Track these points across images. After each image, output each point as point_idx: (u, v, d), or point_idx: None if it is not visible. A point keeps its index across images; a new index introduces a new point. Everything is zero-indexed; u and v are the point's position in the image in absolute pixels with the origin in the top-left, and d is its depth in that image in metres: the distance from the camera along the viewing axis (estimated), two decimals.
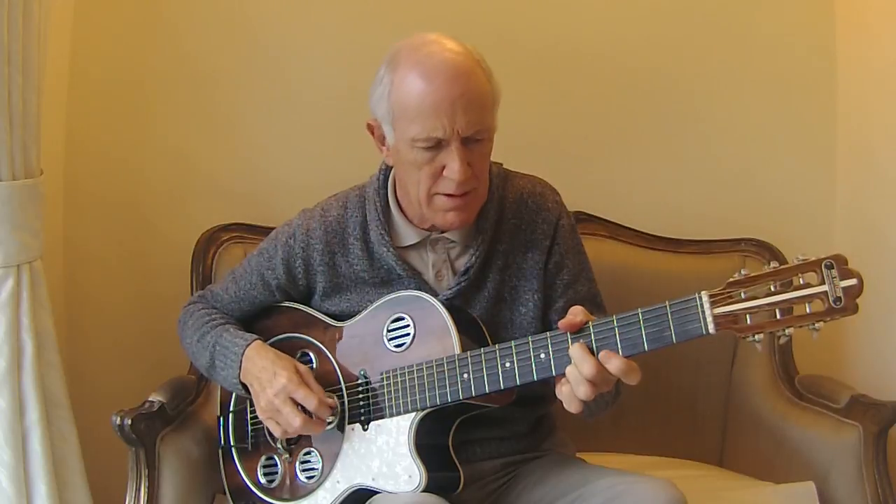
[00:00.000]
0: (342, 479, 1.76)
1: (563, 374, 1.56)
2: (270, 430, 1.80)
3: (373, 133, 1.79)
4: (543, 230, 1.83)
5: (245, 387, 1.83)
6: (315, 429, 1.76)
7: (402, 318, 1.74)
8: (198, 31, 2.50)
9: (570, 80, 2.58)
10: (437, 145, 1.66)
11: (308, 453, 1.82)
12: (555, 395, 1.89)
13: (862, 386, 2.20)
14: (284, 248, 1.87)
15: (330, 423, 1.76)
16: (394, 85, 1.68)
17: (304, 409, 1.74)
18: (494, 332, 1.76)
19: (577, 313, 1.56)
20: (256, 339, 1.83)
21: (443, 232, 1.81)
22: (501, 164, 1.88)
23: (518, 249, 1.83)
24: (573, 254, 1.86)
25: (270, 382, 1.76)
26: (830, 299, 1.37)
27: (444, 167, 1.67)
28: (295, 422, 1.73)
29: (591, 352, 1.52)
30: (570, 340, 1.56)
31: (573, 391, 1.53)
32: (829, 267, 1.37)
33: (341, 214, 1.85)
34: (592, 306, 1.82)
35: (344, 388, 1.79)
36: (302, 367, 1.79)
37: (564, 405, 1.57)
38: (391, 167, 1.84)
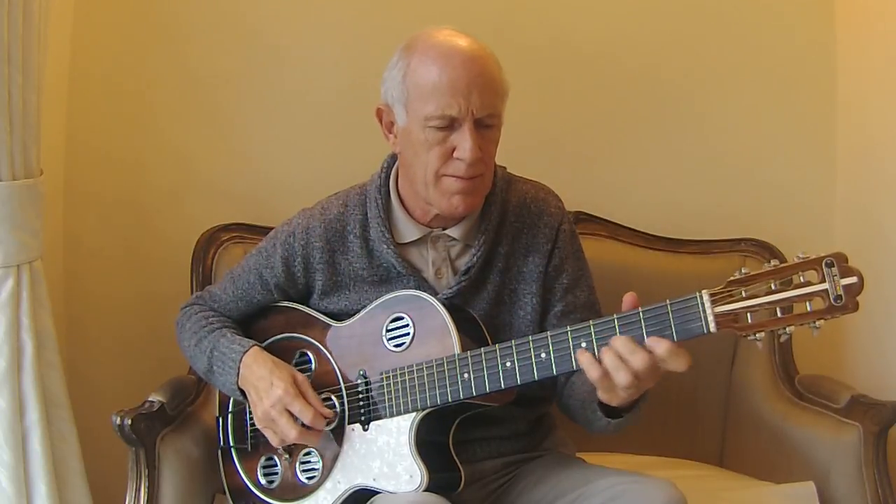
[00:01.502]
0: (343, 480, 1.76)
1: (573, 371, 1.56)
2: (267, 438, 1.79)
3: (380, 120, 1.80)
4: (545, 234, 1.83)
5: (243, 392, 1.82)
6: (311, 440, 1.76)
7: (402, 318, 1.74)
8: (198, 31, 2.50)
9: (569, 80, 2.58)
10: (450, 125, 1.68)
11: (308, 454, 1.81)
12: (551, 395, 1.91)
13: (862, 386, 2.20)
14: (284, 247, 1.87)
15: (328, 425, 1.76)
16: (410, 67, 1.70)
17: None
18: (493, 333, 1.76)
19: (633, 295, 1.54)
20: (254, 346, 1.83)
21: (444, 228, 1.81)
22: (505, 168, 1.88)
23: (519, 252, 1.83)
24: (573, 259, 1.86)
25: (267, 393, 1.75)
26: (831, 297, 1.37)
27: (454, 149, 1.69)
28: (290, 434, 1.73)
29: (639, 343, 1.50)
30: (570, 340, 1.56)
31: (613, 379, 1.51)
32: (830, 265, 1.38)
33: (341, 212, 1.85)
34: (591, 313, 1.82)
35: (343, 389, 1.79)
36: (300, 377, 1.78)
37: (598, 392, 1.55)
38: (392, 164, 1.85)
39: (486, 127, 1.70)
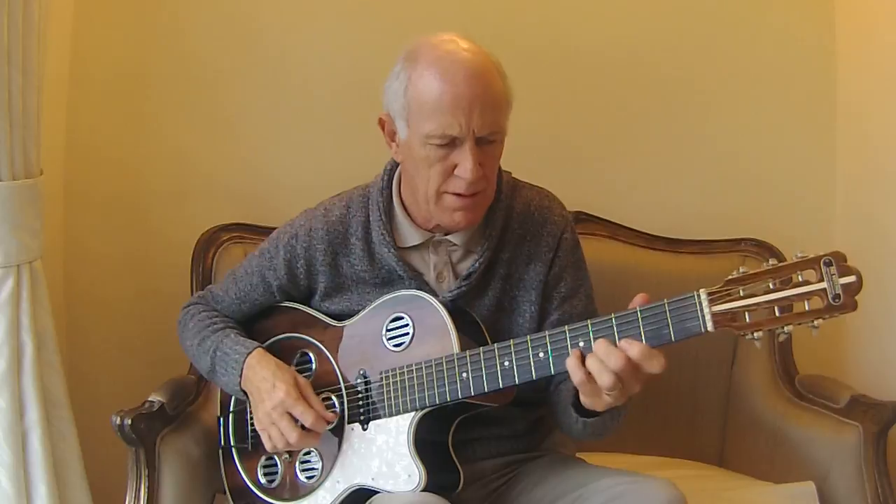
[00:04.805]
0: (342, 479, 1.76)
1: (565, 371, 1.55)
2: (263, 441, 1.79)
3: (383, 128, 1.79)
4: (547, 243, 1.83)
5: (246, 393, 1.83)
6: (310, 442, 1.76)
7: (402, 318, 1.74)
8: (198, 31, 2.50)
9: (570, 80, 2.58)
10: (451, 143, 1.66)
11: (308, 453, 1.81)
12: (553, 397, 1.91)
13: (862, 386, 2.20)
14: (286, 249, 1.87)
15: (327, 425, 1.77)
16: (411, 81, 1.68)
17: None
18: (493, 339, 1.74)
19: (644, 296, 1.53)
20: (258, 348, 1.83)
21: (446, 234, 1.81)
22: (510, 173, 1.88)
23: (521, 260, 1.82)
24: (573, 269, 1.85)
25: (269, 394, 1.75)
26: (829, 296, 1.37)
27: (455, 166, 1.67)
28: (291, 437, 1.72)
29: (615, 344, 1.49)
30: (568, 340, 1.56)
31: (598, 381, 1.49)
32: (828, 264, 1.37)
33: (344, 214, 1.85)
34: None
35: (343, 388, 1.79)
36: (301, 380, 1.78)
37: (581, 396, 1.54)
38: (396, 167, 1.84)
39: (488, 143, 1.68)
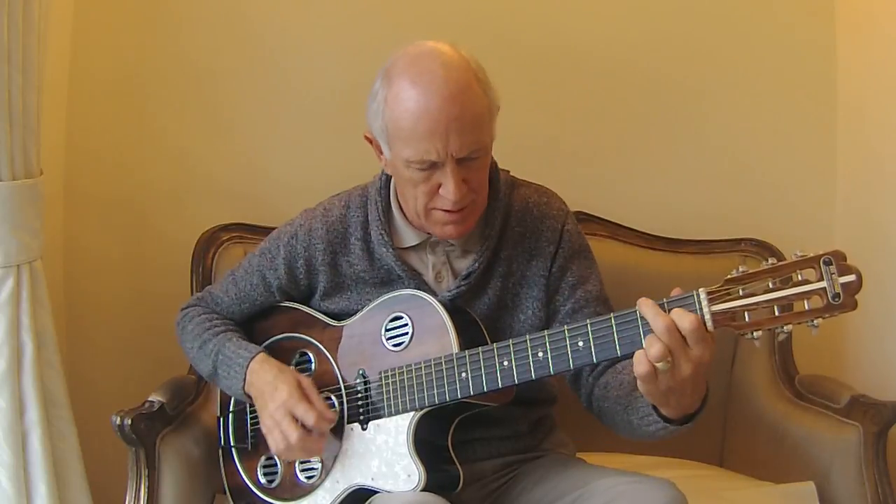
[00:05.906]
0: (341, 479, 1.76)
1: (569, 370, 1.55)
2: (269, 445, 1.77)
3: (371, 142, 1.78)
4: (548, 237, 1.82)
5: (249, 396, 1.83)
6: (315, 444, 1.74)
7: (401, 318, 1.74)
8: (198, 31, 2.50)
9: (570, 80, 2.58)
10: (432, 166, 1.65)
11: None
12: (553, 396, 1.90)
13: (862, 386, 2.20)
14: (287, 248, 1.87)
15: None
16: (387, 103, 1.65)
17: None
18: (494, 337, 1.74)
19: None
20: (261, 352, 1.83)
21: None
22: (508, 172, 1.87)
23: (522, 257, 1.82)
24: (579, 258, 1.84)
25: (272, 396, 1.75)
26: (829, 295, 1.36)
27: (440, 185, 1.66)
28: (292, 436, 1.71)
29: (663, 309, 1.44)
30: (567, 339, 1.55)
31: (647, 351, 1.43)
32: (828, 263, 1.36)
33: (343, 214, 1.85)
34: (604, 307, 1.81)
35: (343, 388, 1.79)
36: (304, 381, 1.77)
37: (635, 370, 1.47)
38: None
39: (471, 160, 1.65)
